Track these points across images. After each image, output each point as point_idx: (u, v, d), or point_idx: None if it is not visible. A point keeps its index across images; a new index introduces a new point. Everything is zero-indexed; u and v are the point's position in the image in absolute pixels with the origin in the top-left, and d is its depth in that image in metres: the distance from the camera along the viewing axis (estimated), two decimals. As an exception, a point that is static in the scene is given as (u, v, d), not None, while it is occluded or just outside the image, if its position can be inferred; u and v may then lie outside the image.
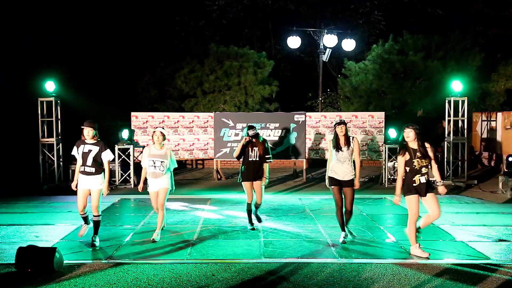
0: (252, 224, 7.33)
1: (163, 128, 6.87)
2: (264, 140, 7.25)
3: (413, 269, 5.44)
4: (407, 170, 5.93)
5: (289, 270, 5.42)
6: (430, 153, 5.97)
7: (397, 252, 6.14)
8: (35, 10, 15.29)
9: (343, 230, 6.52)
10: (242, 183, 7.22)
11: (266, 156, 7.19)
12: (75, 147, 6.54)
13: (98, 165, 6.41)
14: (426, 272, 5.34)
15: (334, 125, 6.50)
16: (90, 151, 6.39)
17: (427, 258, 5.78)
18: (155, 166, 6.59)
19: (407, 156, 5.90)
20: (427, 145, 5.97)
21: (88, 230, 6.63)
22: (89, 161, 6.36)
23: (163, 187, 6.64)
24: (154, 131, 6.73)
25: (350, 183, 6.42)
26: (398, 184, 6.02)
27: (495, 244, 6.50)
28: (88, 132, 6.40)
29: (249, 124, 7.39)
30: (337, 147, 6.42)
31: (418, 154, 5.87)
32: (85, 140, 6.44)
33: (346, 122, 6.63)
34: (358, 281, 5.09)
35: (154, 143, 6.70)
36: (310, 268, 5.48)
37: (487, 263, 5.66)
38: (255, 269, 5.45)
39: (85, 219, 6.63)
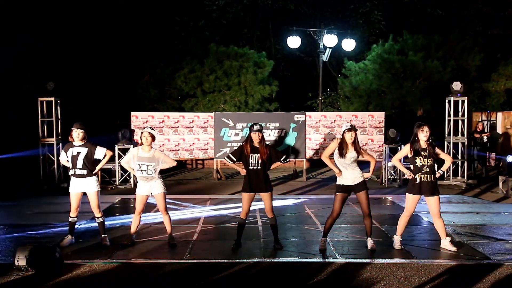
0: (237, 243, 6.29)
1: (151, 129, 6.32)
2: (268, 145, 6.25)
3: (413, 269, 5.44)
4: (411, 168, 6.05)
5: (289, 270, 5.42)
6: (440, 154, 6.04)
7: (398, 252, 6.14)
8: (34, 10, 15.28)
9: (325, 236, 6.25)
10: (242, 193, 6.26)
11: (282, 159, 6.23)
12: (63, 152, 6.43)
13: (89, 166, 6.33)
14: (426, 272, 5.34)
15: (344, 130, 5.99)
16: (79, 153, 6.29)
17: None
18: (141, 170, 6.18)
19: (411, 152, 6.01)
20: (438, 150, 6.02)
21: (70, 241, 6.41)
22: (79, 163, 6.27)
23: (160, 193, 6.29)
24: (142, 132, 6.24)
25: (361, 185, 6.06)
26: (396, 163, 6.46)
27: (495, 244, 6.50)
28: (78, 134, 6.29)
29: (254, 123, 6.21)
30: (341, 153, 5.97)
31: (423, 153, 5.95)
32: (73, 143, 6.34)
33: (356, 128, 6.15)
34: (358, 281, 5.08)
35: (142, 145, 6.25)
36: (310, 268, 5.48)
37: (487, 263, 5.66)
38: (255, 269, 5.45)
39: (72, 227, 6.43)
